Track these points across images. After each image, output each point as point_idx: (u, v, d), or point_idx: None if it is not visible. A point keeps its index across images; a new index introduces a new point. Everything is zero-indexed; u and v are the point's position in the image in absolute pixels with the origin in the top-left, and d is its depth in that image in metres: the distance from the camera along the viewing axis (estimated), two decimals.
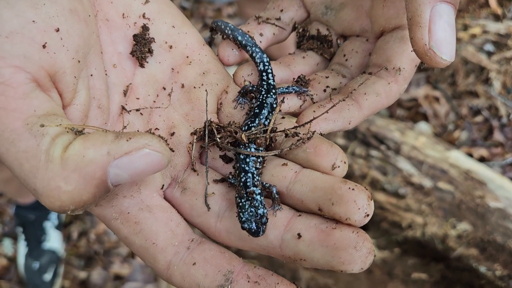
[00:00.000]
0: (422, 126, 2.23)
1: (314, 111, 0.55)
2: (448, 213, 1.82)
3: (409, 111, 2.29)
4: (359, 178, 1.88)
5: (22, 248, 2.00)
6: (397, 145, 1.90)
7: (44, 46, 0.45)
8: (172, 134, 0.57)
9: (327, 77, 0.60)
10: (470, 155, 2.15)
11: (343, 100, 0.55)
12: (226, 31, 0.63)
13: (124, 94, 0.56)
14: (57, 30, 0.47)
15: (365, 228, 1.90)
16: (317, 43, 0.63)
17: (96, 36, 0.53)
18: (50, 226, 2.00)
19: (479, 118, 2.24)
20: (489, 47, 2.29)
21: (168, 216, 0.53)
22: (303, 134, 0.54)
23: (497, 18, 2.38)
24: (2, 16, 0.44)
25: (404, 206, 1.85)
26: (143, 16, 0.55)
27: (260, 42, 0.63)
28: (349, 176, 1.90)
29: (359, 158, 1.90)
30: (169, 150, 0.44)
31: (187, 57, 0.59)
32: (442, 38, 0.46)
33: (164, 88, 0.58)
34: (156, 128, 0.56)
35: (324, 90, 0.60)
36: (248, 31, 0.63)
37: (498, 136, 2.19)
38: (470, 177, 1.87)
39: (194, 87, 0.59)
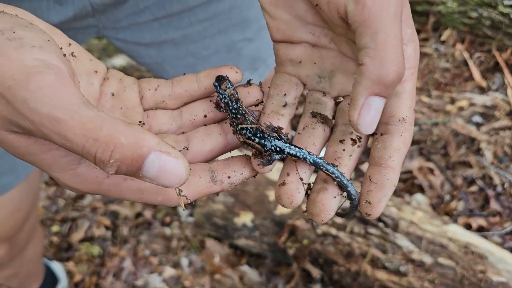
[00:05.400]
0: (419, 197, 2.26)
1: (369, 202, 0.60)
2: None
3: (404, 183, 2.33)
4: (360, 256, 1.89)
5: None
6: (395, 222, 1.92)
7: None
8: None
9: (343, 150, 0.65)
10: (469, 225, 2.17)
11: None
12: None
13: None
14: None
15: None
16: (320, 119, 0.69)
17: None
18: None
19: (474, 188, 2.28)
20: (477, 118, 2.38)
21: None
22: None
23: (482, 90, 2.49)
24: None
25: (407, 284, 1.84)
26: (72, 54, 0.63)
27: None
28: (349, 254, 1.90)
29: (357, 236, 1.91)
30: (188, 173, 0.49)
31: (104, 78, 0.67)
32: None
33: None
34: None
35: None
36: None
37: (494, 205, 2.22)
38: (470, 251, 1.87)
39: (123, 91, 0.67)
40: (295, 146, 0.63)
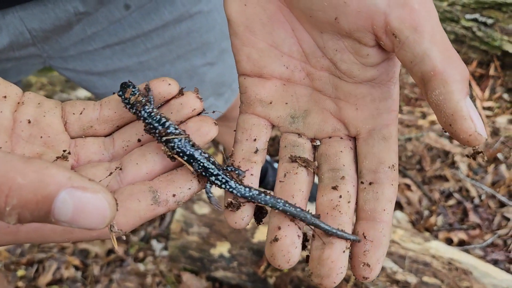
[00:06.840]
0: (398, 215, 2.23)
1: (367, 265, 0.55)
2: None
3: None
4: (343, 281, 1.82)
5: None
6: None
7: None
8: None
9: (340, 197, 0.59)
10: (450, 239, 2.14)
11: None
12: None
13: None
14: None
15: None
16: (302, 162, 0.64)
17: None
18: None
19: (452, 201, 2.26)
20: None
21: None
22: None
23: None
24: None
25: None
26: None
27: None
28: None
29: None
30: (115, 209, 0.40)
31: (18, 103, 0.60)
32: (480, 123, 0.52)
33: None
34: None
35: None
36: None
37: (473, 217, 2.20)
38: (454, 267, 1.83)
39: (42, 117, 0.60)
40: (224, 172, 0.59)
